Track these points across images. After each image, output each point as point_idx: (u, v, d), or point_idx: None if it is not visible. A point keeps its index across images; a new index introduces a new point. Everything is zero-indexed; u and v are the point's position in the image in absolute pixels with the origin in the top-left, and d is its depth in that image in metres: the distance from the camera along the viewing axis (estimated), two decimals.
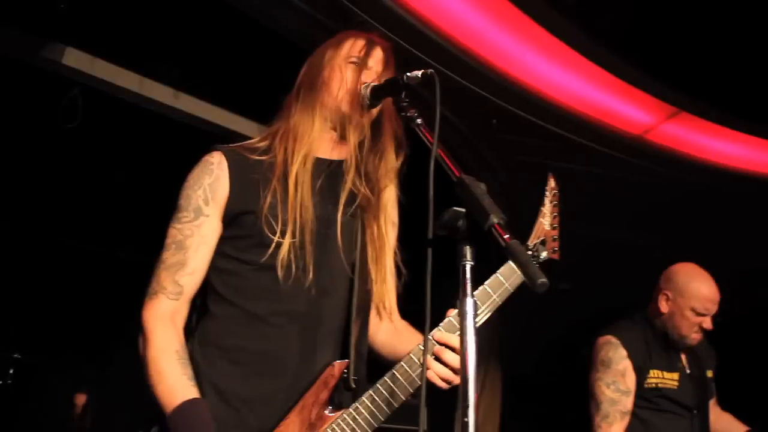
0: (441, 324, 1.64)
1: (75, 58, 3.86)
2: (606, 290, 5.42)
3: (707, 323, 2.85)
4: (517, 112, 4.20)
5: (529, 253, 1.83)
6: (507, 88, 4.02)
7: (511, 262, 1.68)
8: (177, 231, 1.64)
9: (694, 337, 2.86)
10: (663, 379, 2.83)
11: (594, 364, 2.85)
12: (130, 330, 1.68)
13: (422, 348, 1.61)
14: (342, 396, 1.65)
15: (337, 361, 1.63)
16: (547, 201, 1.92)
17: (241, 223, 1.65)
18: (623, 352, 2.79)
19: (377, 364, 1.79)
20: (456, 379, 1.60)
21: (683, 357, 2.95)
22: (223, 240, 1.67)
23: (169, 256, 1.63)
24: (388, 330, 1.85)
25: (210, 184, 1.66)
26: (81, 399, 5.33)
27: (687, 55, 4.26)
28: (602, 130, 4.52)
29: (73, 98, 4.02)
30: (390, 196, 1.83)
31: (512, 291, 1.70)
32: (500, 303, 1.70)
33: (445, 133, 4.03)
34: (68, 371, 5.45)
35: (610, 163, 4.82)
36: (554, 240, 1.89)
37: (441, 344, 1.61)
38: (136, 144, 4.61)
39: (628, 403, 2.76)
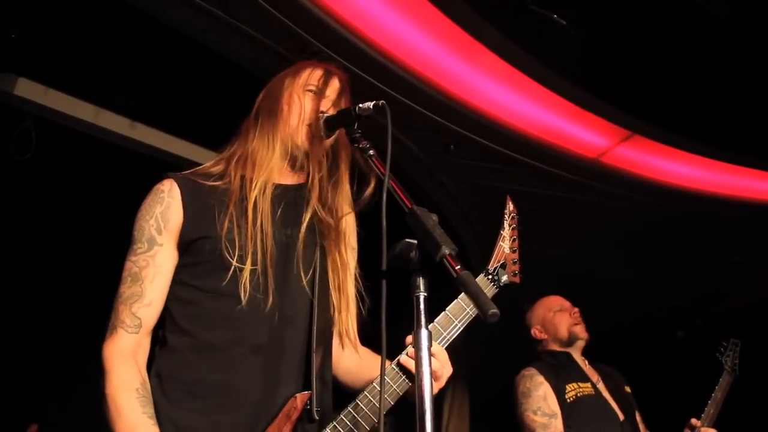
0: (437, 319, 1.67)
1: (27, 89, 3.80)
2: None
3: (573, 313, 3.21)
4: (474, 138, 4.24)
5: (490, 276, 1.82)
6: (464, 115, 4.07)
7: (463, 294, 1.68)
8: (132, 263, 1.61)
9: (577, 329, 3.16)
10: (580, 388, 3.00)
11: (517, 399, 3.03)
12: (89, 364, 1.63)
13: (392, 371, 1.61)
14: (306, 428, 1.59)
15: (299, 393, 1.58)
16: (506, 224, 1.92)
17: (197, 250, 1.61)
18: (539, 378, 2.99)
19: (344, 392, 1.76)
20: (444, 376, 1.59)
21: (594, 374, 3.15)
22: (180, 268, 1.64)
23: (125, 289, 1.59)
24: (351, 358, 1.82)
25: (162, 213, 1.63)
26: (33, 429, 5.23)
27: (639, 80, 4.36)
28: (558, 153, 4.60)
29: (26, 129, 3.95)
30: (349, 222, 1.82)
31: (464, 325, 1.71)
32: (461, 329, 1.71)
33: (403, 159, 4.07)
34: (24, 405, 5.31)
35: (567, 186, 4.91)
36: (515, 263, 1.89)
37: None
38: (93, 175, 4.52)
39: (558, 424, 2.87)
